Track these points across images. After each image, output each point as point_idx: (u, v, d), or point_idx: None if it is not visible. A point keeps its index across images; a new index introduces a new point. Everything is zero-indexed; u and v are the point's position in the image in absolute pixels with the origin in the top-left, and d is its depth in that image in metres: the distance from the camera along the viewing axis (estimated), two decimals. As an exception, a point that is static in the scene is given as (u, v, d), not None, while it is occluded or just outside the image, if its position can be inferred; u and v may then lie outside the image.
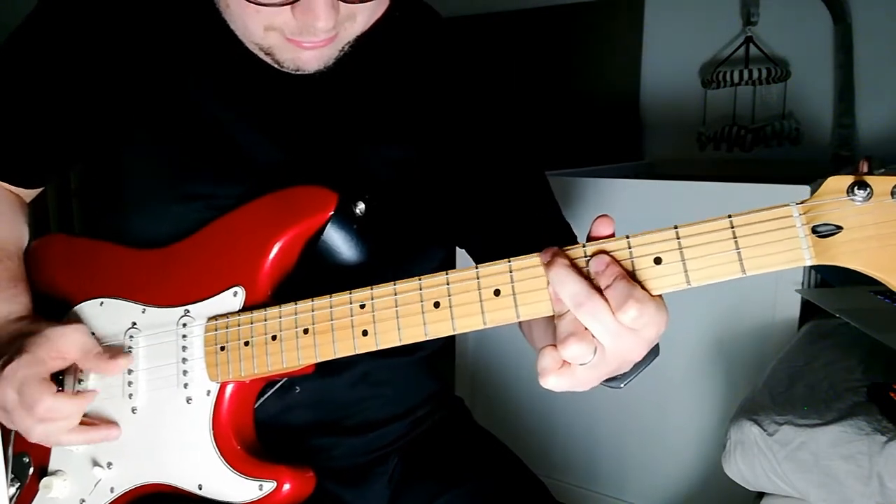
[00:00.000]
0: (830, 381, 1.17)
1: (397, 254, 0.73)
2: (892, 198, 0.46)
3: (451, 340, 1.76)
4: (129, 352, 0.70)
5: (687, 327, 1.55)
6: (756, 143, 1.99)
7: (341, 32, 0.65)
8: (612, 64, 2.24)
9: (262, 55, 0.68)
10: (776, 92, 1.97)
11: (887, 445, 0.99)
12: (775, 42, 1.98)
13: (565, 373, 0.53)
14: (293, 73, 0.68)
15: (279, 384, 0.72)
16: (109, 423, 0.70)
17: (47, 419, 0.66)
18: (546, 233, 0.78)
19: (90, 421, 0.70)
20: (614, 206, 1.59)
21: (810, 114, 1.95)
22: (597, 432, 1.69)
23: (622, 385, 0.59)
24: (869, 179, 0.46)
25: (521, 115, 0.83)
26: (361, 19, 0.65)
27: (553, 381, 0.53)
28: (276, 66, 0.68)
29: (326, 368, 0.68)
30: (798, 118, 1.97)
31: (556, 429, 1.73)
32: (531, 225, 0.78)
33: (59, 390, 0.67)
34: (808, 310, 1.45)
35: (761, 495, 1.15)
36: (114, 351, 0.70)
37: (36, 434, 0.67)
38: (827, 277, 1.52)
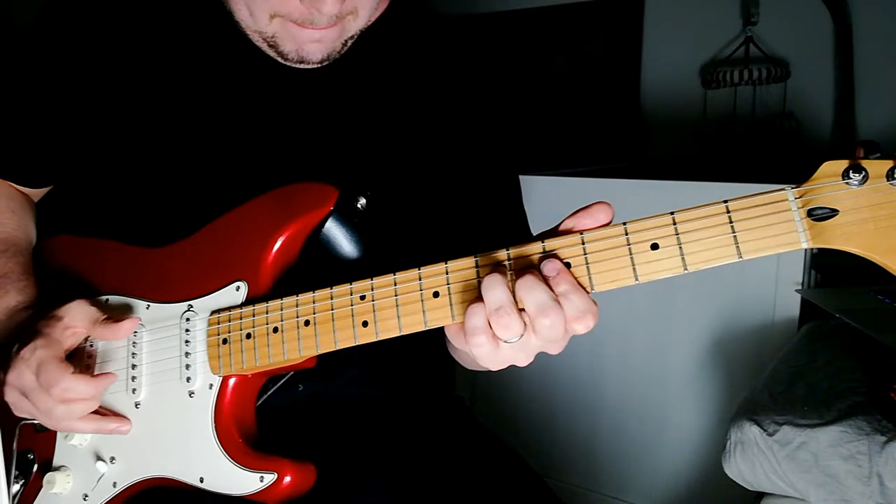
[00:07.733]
0: (830, 381, 1.17)
1: (398, 248, 0.73)
2: (888, 181, 0.46)
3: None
4: (135, 316, 0.70)
5: (687, 327, 1.55)
6: (756, 143, 1.99)
7: (345, 24, 0.66)
8: (612, 64, 2.24)
9: (265, 47, 0.68)
10: (776, 92, 1.97)
11: (887, 445, 0.99)
12: (775, 42, 1.98)
13: (491, 339, 0.53)
14: (297, 65, 0.68)
15: (281, 381, 0.72)
16: (122, 417, 0.70)
17: (66, 400, 0.66)
18: (501, 235, 0.78)
19: (102, 411, 0.70)
20: (614, 206, 1.58)
21: (810, 114, 1.96)
22: (597, 432, 1.69)
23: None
24: (864, 163, 0.47)
25: (514, 115, 0.83)
26: (363, 13, 0.67)
27: (482, 340, 0.53)
28: (279, 58, 0.68)
29: (327, 367, 0.69)
30: (798, 118, 1.97)
31: (556, 429, 1.73)
32: (486, 227, 0.79)
33: (73, 371, 0.67)
34: (808, 310, 1.45)
35: (761, 495, 1.15)
36: (118, 315, 0.70)
37: (57, 415, 0.67)
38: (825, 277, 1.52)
